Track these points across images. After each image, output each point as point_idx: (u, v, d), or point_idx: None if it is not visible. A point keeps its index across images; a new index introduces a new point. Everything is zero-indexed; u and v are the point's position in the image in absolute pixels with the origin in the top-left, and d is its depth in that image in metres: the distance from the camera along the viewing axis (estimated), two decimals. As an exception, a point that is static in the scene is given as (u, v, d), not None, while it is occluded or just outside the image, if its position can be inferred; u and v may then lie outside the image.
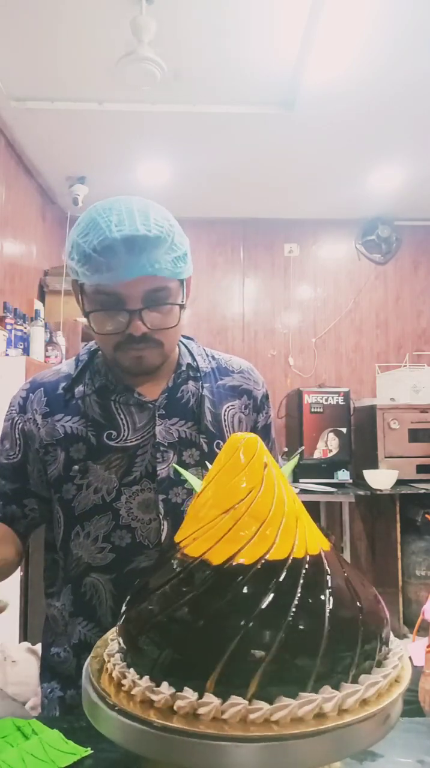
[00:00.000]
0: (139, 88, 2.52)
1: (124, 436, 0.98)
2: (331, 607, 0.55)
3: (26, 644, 2.19)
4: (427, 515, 3.44)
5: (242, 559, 0.57)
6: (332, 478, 3.83)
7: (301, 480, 3.75)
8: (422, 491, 3.56)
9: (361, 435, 4.15)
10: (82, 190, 3.82)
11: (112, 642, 0.64)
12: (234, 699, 0.50)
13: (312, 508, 4.16)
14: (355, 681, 0.54)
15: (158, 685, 0.52)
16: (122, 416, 0.99)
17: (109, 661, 0.60)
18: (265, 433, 1.13)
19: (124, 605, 0.64)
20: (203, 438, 0.99)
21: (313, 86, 2.78)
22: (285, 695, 0.51)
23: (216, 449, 0.98)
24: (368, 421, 4.01)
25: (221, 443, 0.98)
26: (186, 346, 1.09)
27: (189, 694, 0.51)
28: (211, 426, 1.01)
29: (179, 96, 2.93)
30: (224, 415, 1.04)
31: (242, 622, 0.52)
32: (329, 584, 0.57)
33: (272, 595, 0.54)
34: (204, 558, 0.58)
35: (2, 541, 0.98)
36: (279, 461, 1.18)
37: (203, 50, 2.58)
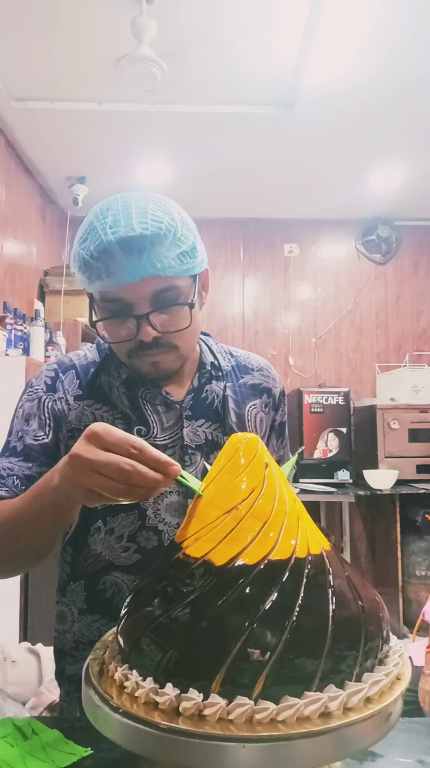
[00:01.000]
0: (139, 88, 2.52)
1: (153, 434, 0.94)
2: (334, 606, 0.55)
3: (26, 644, 2.19)
4: (427, 515, 3.44)
5: (244, 560, 0.57)
6: (332, 478, 3.83)
7: (301, 480, 3.75)
8: (422, 491, 3.56)
9: (361, 435, 4.15)
10: (82, 190, 3.82)
11: (111, 644, 0.63)
12: (240, 699, 0.50)
13: (312, 508, 4.16)
14: (358, 679, 0.54)
15: (162, 687, 0.52)
16: (150, 413, 0.95)
17: (110, 663, 0.60)
18: (280, 430, 1.11)
19: (124, 606, 0.63)
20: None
21: (313, 86, 2.78)
22: (290, 695, 0.51)
23: None
24: (368, 421, 4.01)
25: None
26: (206, 344, 1.05)
27: (194, 696, 0.51)
28: (236, 426, 0.99)
29: (179, 96, 2.93)
30: (248, 414, 1.03)
31: (247, 623, 0.52)
32: (332, 584, 0.57)
33: (275, 595, 0.54)
34: (207, 559, 0.58)
35: None
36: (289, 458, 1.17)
37: (203, 50, 2.58)
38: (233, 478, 0.64)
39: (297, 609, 0.53)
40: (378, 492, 3.60)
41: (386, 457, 3.79)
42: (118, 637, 0.61)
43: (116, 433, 0.62)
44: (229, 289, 4.60)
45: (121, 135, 3.29)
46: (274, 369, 1.13)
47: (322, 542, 0.62)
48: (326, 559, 0.59)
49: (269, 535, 0.59)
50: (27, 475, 0.91)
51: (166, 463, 0.62)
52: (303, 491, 3.57)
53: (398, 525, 3.59)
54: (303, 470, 3.80)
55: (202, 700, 0.50)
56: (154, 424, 0.95)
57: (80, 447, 0.63)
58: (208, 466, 0.72)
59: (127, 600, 0.64)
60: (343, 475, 3.85)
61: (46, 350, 3.32)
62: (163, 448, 0.94)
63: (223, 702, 0.50)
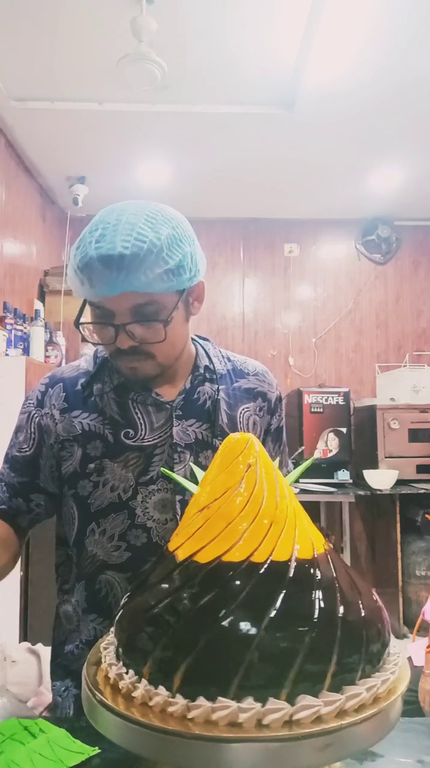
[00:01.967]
0: (139, 88, 2.52)
1: (141, 435, 0.98)
2: (318, 613, 0.55)
3: (26, 644, 2.19)
4: (427, 515, 3.44)
5: (197, 556, 0.59)
6: (332, 478, 3.83)
7: (301, 480, 3.74)
8: (422, 491, 3.56)
9: (361, 435, 4.15)
10: (82, 190, 3.82)
11: (105, 650, 0.63)
12: (250, 703, 0.50)
13: (312, 508, 4.16)
14: (368, 676, 0.55)
15: (173, 696, 0.53)
16: (140, 415, 0.99)
17: (110, 668, 0.60)
18: (277, 435, 1.13)
19: (120, 607, 0.64)
20: (218, 440, 0.99)
21: (313, 86, 2.78)
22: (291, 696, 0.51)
23: None
24: (368, 421, 4.01)
25: None
26: (203, 348, 1.08)
27: (203, 702, 0.51)
28: (227, 428, 1.01)
29: (179, 96, 2.93)
30: (240, 417, 1.05)
31: (247, 627, 0.53)
32: (315, 589, 0.57)
33: (259, 599, 0.55)
34: (173, 552, 0.61)
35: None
36: (289, 464, 1.18)
37: (203, 50, 2.58)
38: (214, 477, 0.66)
39: (272, 613, 0.54)
40: (378, 492, 3.60)
41: (386, 457, 3.79)
42: (116, 638, 0.61)
43: None
44: (229, 289, 4.60)
45: (121, 135, 3.29)
46: (271, 375, 1.16)
47: (315, 545, 0.61)
48: (315, 564, 0.59)
49: (234, 535, 0.59)
50: (9, 483, 1.03)
51: None
52: (303, 491, 3.57)
53: (398, 525, 3.60)
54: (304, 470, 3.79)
55: (213, 705, 0.51)
56: (143, 425, 0.98)
57: None
58: (194, 467, 0.76)
59: (123, 602, 0.64)
60: (343, 475, 3.85)
61: (46, 350, 3.32)
62: (152, 447, 0.98)
63: (234, 705, 0.50)
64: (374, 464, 3.80)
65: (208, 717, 0.50)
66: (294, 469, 0.77)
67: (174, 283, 0.88)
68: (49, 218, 4.09)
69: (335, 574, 0.59)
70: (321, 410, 3.89)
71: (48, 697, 1.91)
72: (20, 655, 2.10)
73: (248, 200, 4.26)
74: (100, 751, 0.73)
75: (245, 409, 1.06)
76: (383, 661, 0.58)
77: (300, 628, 0.53)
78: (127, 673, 0.56)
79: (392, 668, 0.58)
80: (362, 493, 3.67)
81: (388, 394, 4.05)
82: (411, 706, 1.64)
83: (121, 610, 0.62)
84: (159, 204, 0.92)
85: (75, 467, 0.98)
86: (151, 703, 0.53)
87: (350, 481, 3.88)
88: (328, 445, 3.87)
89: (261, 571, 0.56)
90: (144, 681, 0.54)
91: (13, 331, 2.95)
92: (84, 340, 3.65)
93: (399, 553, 3.59)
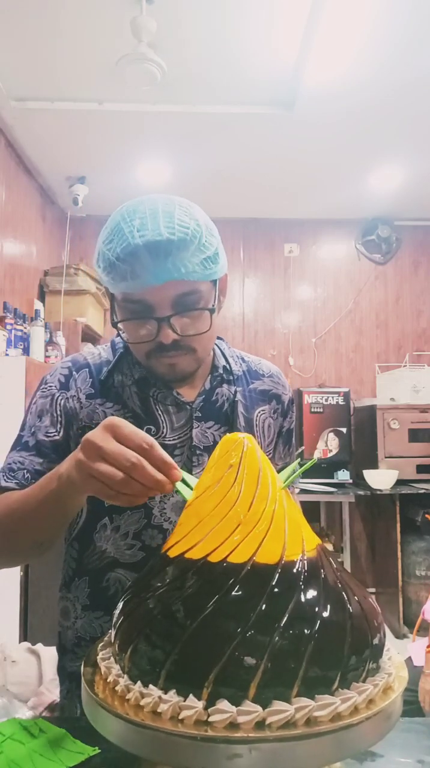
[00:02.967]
0: (139, 88, 2.52)
1: (163, 433, 0.96)
2: (321, 612, 0.55)
3: (26, 644, 2.19)
4: (427, 515, 3.44)
5: (182, 552, 0.60)
6: (332, 478, 3.83)
7: (301, 480, 3.75)
8: (422, 491, 3.57)
9: (361, 435, 4.15)
10: (82, 190, 3.82)
11: (102, 651, 0.63)
12: (250, 706, 0.50)
13: (312, 508, 4.16)
14: (364, 680, 0.55)
15: (166, 693, 0.53)
16: (161, 413, 0.97)
17: (107, 670, 0.60)
18: (288, 437, 1.12)
19: (117, 610, 0.63)
20: None
21: (313, 86, 2.78)
22: (280, 698, 0.51)
23: None
24: (368, 421, 4.01)
25: None
26: (219, 348, 1.07)
27: (194, 702, 0.51)
28: (244, 430, 1.00)
29: (179, 96, 2.93)
30: (256, 419, 1.04)
31: (239, 629, 0.53)
32: (299, 594, 0.56)
33: (202, 596, 0.55)
34: (165, 553, 0.62)
35: None
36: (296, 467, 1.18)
37: (203, 50, 2.58)
38: (202, 477, 0.68)
39: (252, 616, 0.53)
40: (378, 492, 3.60)
41: (386, 457, 3.80)
42: (113, 640, 0.62)
43: (132, 427, 0.66)
44: (229, 289, 4.57)
45: (121, 135, 3.29)
46: (284, 376, 1.14)
47: (305, 545, 0.61)
48: (298, 567, 0.59)
49: (200, 533, 0.60)
50: (37, 470, 0.93)
51: (171, 465, 0.65)
52: (303, 491, 3.57)
53: (398, 525, 3.60)
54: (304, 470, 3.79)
55: (204, 708, 0.51)
56: (164, 424, 0.96)
57: (95, 434, 0.66)
58: (185, 475, 0.73)
59: (121, 605, 0.64)
60: (343, 475, 3.85)
61: (46, 350, 3.32)
62: (172, 448, 0.95)
63: (233, 709, 0.50)
64: (374, 464, 3.80)
65: (233, 720, 0.50)
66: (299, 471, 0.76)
67: (212, 271, 0.88)
68: (49, 218, 4.09)
69: (323, 577, 0.58)
70: (321, 410, 3.90)
71: (48, 697, 1.91)
72: (20, 655, 2.09)
73: (248, 200, 4.26)
74: (100, 751, 0.73)
75: (262, 412, 1.05)
76: (370, 666, 0.57)
77: (260, 637, 0.52)
78: (123, 675, 0.57)
79: (381, 675, 0.57)
80: (362, 493, 3.67)
81: (388, 394, 4.05)
82: (411, 706, 1.64)
83: (126, 617, 0.62)
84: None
85: None
86: (141, 703, 0.53)
87: (350, 481, 3.88)
88: (328, 445, 3.87)
89: (218, 571, 0.57)
90: (138, 682, 0.54)
91: (13, 331, 2.95)
92: (84, 336, 3.65)
93: (399, 553, 3.59)
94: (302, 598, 0.55)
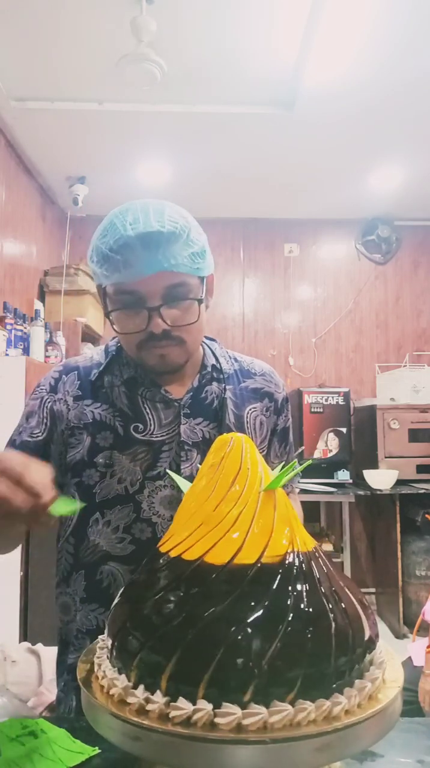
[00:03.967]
0: (139, 88, 2.52)
1: (150, 430, 0.99)
2: (290, 618, 0.55)
3: (26, 644, 2.19)
4: (427, 515, 3.44)
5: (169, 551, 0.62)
6: (332, 478, 3.83)
7: (301, 480, 3.74)
8: (422, 491, 3.56)
9: (361, 435, 4.15)
10: (82, 190, 3.82)
11: (100, 650, 0.63)
12: (256, 708, 0.50)
13: (312, 508, 4.16)
14: (349, 684, 0.55)
15: (153, 693, 0.53)
16: (148, 411, 1.00)
17: (101, 668, 0.60)
18: (283, 435, 1.14)
19: (112, 608, 0.64)
20: None
21: (313, 86, 2.78)
22: (279, 700, 0.51)
23: None
24: (368, 421, 4.01)
25: None
26: (209, 348, 1.10)
27: (184, 704, 0.51)
28: (234, 427, 1.02)
29: (179, 96, 2.93)
30: (247, 417, 1.06)
31: (233, 629, 0.53)
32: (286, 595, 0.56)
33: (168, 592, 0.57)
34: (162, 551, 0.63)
35: None
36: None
37: (203, 50, 2.58)
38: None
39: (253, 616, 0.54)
40: (378, 492, 3.60)
41: (386, 457, 3.80)
42: (108, 638, 0.62)
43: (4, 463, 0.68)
44: (229, 289, 4.60)
45: (121, 135, 3.29)
46: (277, 375, 1.17)
47: (280, 550, 0.60)
48: (280, 569, 0.58)
49: (190, 532, 0.61)
50: None
51: (38, 494, 0.66)
52: (303, 491, 3.57)
53: (398, 525, 3.59)
54: (303, 470, 3.79)
55: (214, 708, 0.51)
56: (152, 421, 1.00)
57: None
58: (171, 474, 0.77)
59: (114, 603, 0.64)
60: (343, 475, 3.85)
61: (46, 350, 3.32)
62: (159, 444, 0.99)
63: (238, 711, 0.50)
64: (374, 464, 3.80)
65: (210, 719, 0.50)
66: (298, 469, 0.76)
67: (200, 267, 0.94)
68: (49, 218, 4.09)
69: (299, 580, 0.57)
70: (321, 410, 3.90)
71: (48, 697, 1.91)
72: (20, 655, 2.10)
73: (248, 200, 4.26)
74: (100, 751, 0.73)
75: (252, 409, 1.07)
76: (356, 669, 0.56)
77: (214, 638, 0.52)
78: (119, 676, 0.57)
79: (365, 682, 0.56)
80: (362, 493, 3.67)
81: (388, 394, 4.05)
82: (411, 706, 1.63)
83: (121, 618, 0.62)
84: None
85: (83, 455, 0.99)
86: (128, 699, 0.53)
87: (350, 481, 3.88)
88: (328, 445, 3.87)
89: (173, 566, 0.59)
90: (131, 682, 0.55)
91: (13, 331, 2.95)
92: (84, 336, 3.65)
93: (399, 553, 3.59)
94: (256, 602, 0.55)
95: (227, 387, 1.05)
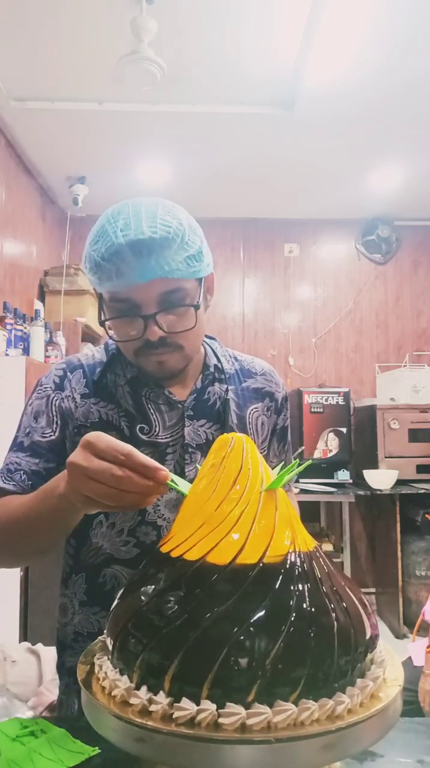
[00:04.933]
0: (139, 88, 2.51)
1: (155, 431, 0.97)
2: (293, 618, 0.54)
3: (26, 644, 2.19)
4: (427, 515, 3.44)
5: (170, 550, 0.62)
6: (332, 478, 3.83)
7: (301, 480, 3.75)
8: (422, 491, 3.57)
9: (361, 435, 4.15)
10: (82, 190, 3.82)
11: (100, 652, 0.64)
12: (260, 708, 0.50)
13: (312, 508, 4.16)
14: (350, 683, 0.55)
15: (156, 693, 0.53)
16: (153, 412, 0.98)
17: (101, 669, 0.60)
18: (282, 434, 1.13)
19: (112, 609, 0.64)
20: None
21: (313, 86, 2.78)
22: (282, 700, 0.51)
23: None
24: (368, 421, 4.01)
25: None
26: (210, 347, 1.08)
27: (187, 704, 0.51)
28: (237, 428, 1.01)
29: (179, 96, 2.93)
30: (249, 417, 1.05)
31: (236, 629, 0.53)
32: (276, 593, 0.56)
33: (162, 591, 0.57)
34: (183, 557, 0.62)
35: None
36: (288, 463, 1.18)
37: (203, 50, 2.58)
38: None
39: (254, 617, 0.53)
40: (378, 492, 3.60)
41: (386, 457, 3.80)
42: (108, 639, 0.62)
43: (105, 440, 0.66)
44: (229, 289, 4.60)
45: (121, 135, 3.29)
46: (277, 374, 1.15)
47: (298, 546, 0.60)
48: (275, 569, 0.58)
49: (192, 532, 0.61)
50: (33, 470, 0.95)
51: (154, 468, 0.65)
52: (303, 491, 3.57)
53: (398, 525, 3.60)
54: (303, 470, 3.79)
55: (218, 709, 0.51)
56: (156, 423, 0.98)
57: (76, 455, 0.67)
58: (172, 476, 0.73)
59: (114, 605, 0.64)
60: (343, 475, 3.86)
61: (46, 350, 3.32)
62: (164, 446, 0.97)
63: (243, 710, 0.50)
64: (374, 464, 3.80)
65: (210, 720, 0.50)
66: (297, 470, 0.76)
67: (196, 269, 0.90)
68: (49, 218, 4.09)
69: (301, 579, 0.57)
70: (321, 410, 3.90)
71: (48, 697, 1.91)
72: (20, 655, 2.09)
73: (248, 200, 4.26)
74: (100, 751, 0.73)
75: (254, 410, 1.06)
76: (358, 668, 0.56)
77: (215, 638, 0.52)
78: (121, 677, 0.57)
79: (367, 680, 0.56)
80: (362, 493, 3.67)
81: (388, 394, 4.05)
82: (411, 706, 1.64)
83: (121, 619, 0.62)
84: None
85: None
86: (131, 700, 0.53)
87: (350, 481, 3.88)
88: (328, 445, 3.87)
89: (174, 566, 0.59)
90: (133, 683, 0.55)
91: (13, 331, 2.94)
92: (84, 336, 3.65)
93: (399, 553, 3.59)
94: (258, 602, 0.54)
95: (229, 387, 1.04)
